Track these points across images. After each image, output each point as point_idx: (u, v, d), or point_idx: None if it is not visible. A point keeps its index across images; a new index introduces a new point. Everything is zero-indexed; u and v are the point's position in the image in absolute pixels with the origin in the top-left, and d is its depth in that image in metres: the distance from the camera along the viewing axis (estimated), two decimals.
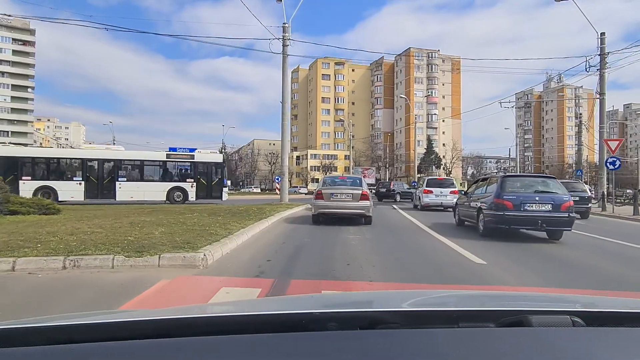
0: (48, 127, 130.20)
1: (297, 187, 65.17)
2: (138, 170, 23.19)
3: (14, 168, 20.68)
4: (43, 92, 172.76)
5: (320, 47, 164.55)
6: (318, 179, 51.36)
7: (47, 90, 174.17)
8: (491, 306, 1.31)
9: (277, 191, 29.01)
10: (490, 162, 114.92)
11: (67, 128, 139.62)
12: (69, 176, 21.97)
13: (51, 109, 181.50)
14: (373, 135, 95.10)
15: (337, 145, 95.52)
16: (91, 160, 22.23)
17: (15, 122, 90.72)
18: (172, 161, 23.73)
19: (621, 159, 20.89)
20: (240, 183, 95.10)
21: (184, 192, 23.10)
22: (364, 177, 23.33)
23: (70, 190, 21.34)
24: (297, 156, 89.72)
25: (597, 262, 7.18)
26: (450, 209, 20.17)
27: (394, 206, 23.12)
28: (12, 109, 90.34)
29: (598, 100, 23.84)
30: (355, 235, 9.26)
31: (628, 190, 45.76)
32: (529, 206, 9.52)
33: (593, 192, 39.99)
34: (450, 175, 70.49)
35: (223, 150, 58.48)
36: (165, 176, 23.43)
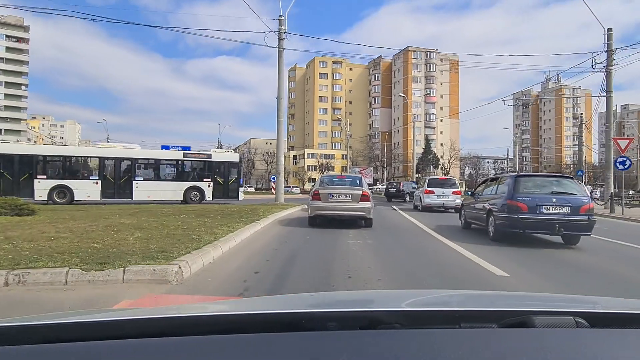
0: (43, 125, 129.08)
1: (289, 186, 63.85)
2: (155, 170, 22.50)
3: (29, 166, 19.91)
4: (39, 90, 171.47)
5: (319, 47, 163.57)
6: (315, 178, 50.46)
7: (43, 89, 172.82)
8: (493, 306, 1.29)
9: (273, 190, 28.24)
10: (487, 162, 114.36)
11: (63, 126, 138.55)
12: (85, 175, 21.18)
13: (47, 107, 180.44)
14: (370, 134, 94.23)
15: (335, 144, 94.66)
16: (108, 158, 21.40)
17: (9, 119, 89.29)
18: (189, 160, 23.07)
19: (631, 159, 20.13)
20: None
21: (200, 191, 22.46)
22: None
23: (87, 189, 20.54)
24: (294, 155, 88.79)
25: (636, 274, 6.34)
26: (452, 210, 19.46)
27: (393, 207, 22.28)
28: (5, 106, 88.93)
29: (604, 98, 23.00)
30: (355, 240, 8.40)
31: (630, 192, 44.94)
32: (545, 208, 8.72)
33: (597, 193, 39.39)
34: (448, 175, 69.77)
35: (219, 149, 57.53)
36: (182, 176, 22.71)
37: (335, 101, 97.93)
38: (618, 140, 18.28)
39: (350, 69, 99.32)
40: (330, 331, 0.95)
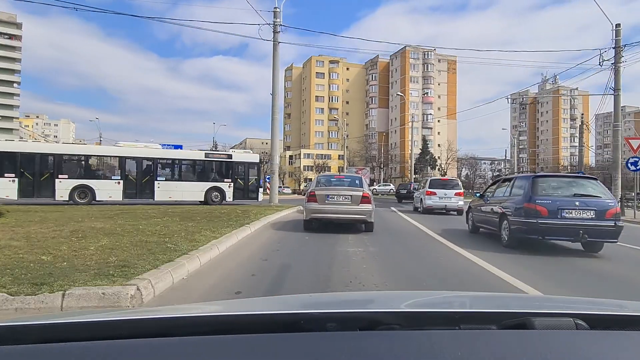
0: (37, 124, 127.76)
1: (280, 187, 62.45)
2: (177, 170, 22.00)
3: (50, 166, 19.23)
4: (35, 90, 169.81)
5: (316, 46, 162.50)
6: (311, 179, 49.39)
7: (39, 88, 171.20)
8: (493, 308, 1.28)
9: (267, 191, 27.45)
10: (484, 163, 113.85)
11: (57, 125, 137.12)
12: (107, 175, 20.52)
13: (42, 106, 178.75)
14: (367, 135, 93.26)
15: (331, 144, 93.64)
16: (130, 158, 20.72)
17: (1, 117, 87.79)
18: (210, 160, 22.55)
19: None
20: None
21: (221, 192, 21.95)
22: None
23: (108, 189, 19.90)
24: (290, 155, 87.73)
25: None
26: (454, 212, 18.59)
27: (393, 208, 21.35)
28: None
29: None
30: (356, 248, 7.43)
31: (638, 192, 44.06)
32: (567, 213, 7.83)
33: None
34: (446, 176, 69.00)
35: (214, 149, 56.54)
36: (204, 176, 22.17)
37: (332, 101, 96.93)
38: (630, 140, 17.40)
39: (347, 69, 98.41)
40: (329, 332, 0.94)
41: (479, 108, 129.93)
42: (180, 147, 25.43)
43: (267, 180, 30.82)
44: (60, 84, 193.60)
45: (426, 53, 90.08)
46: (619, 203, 18.26)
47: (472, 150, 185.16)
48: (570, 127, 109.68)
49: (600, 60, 21.56)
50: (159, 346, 0.83)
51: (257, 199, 22.70)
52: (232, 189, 22.19)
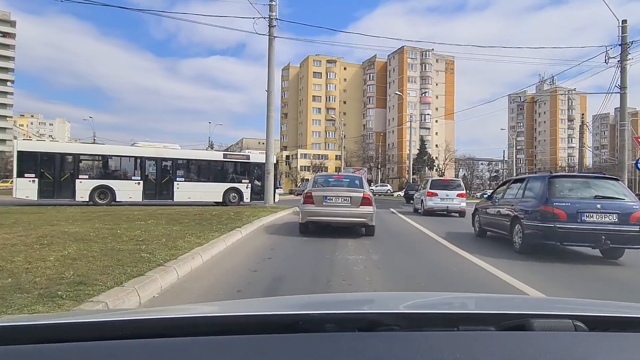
0: (32, 123, 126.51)
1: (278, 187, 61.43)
2: (195, 170, 21.80)
3: (70, 166, 18.86)
4: (29, 88, 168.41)
5: (313, 41, 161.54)
6: (308, 179, 48.67)
7: (33, 87, 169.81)
8: (492, 309, 1.28)
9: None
10: (482, 164, 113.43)
11: (52, 124, 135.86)
12: (128, 175, 20.11)
13: (37, 105, 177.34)
14: (365, 135, 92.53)
15: (328, 145, 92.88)
16: (150, 158, 20.41)
17: None
18: (229, 161, 22.46)
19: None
20: None
21: (239, 193, 21.84)
22: None
23: (128, 190, 19.58)
24: (286, 155, 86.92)
25: None
26: (456, 214, 17.93)
27: (392, 209, 20.64)
28: None
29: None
30: (357, 256, 6.69)
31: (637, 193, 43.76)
32: (587, 216, 7.15)
33: None
34: (444, 176, 68.41)
35: (210, 149, 55.78)
36: (222, 177, 21.97)
37: (329, 101, 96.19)
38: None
39: (345, 69, 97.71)
40: (328, 333, 0.94)
41: (476, 109, 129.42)
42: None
43: None
44: (55, 83, 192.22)
45: (424, 53, 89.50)
46: None
47: (469, 150, 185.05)
48: (568, 128, 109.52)
49: (606, 57, 20.90)
50: (158, 346, 0.83)
51: (274, 200, 22.29)
52: (249, 190, 22.00)
